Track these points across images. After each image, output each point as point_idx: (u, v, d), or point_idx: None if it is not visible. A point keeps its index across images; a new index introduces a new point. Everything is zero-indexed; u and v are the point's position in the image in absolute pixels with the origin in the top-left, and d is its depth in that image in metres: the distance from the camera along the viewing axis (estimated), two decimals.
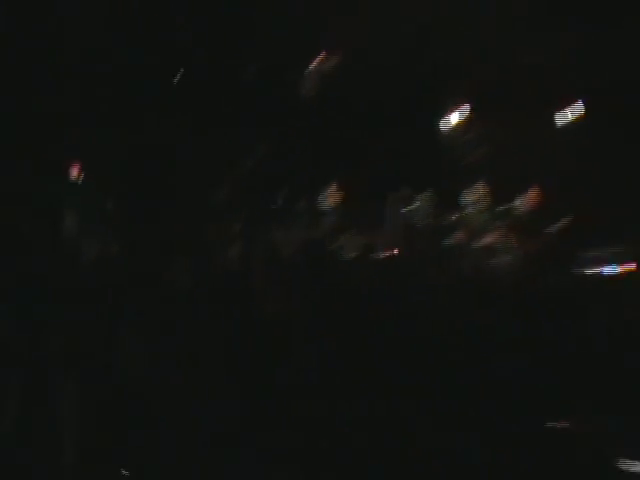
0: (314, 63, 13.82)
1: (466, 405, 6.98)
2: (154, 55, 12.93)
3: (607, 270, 11.94)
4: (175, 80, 13.31)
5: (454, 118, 14.29)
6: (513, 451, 6.37)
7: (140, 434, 7.09)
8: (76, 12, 12.34)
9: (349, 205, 13.46)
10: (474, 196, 13.53)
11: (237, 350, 7.59)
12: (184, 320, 7.88)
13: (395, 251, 13.21)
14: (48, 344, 7.27)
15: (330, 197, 13.43)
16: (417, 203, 13.74)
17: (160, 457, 6.93)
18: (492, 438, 6.54)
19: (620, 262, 11.98)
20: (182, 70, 13.31)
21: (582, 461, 5.90)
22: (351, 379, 7.32)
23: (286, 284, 10.21)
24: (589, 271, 12.02)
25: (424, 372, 7.38)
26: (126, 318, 7.69)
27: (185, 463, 6.86)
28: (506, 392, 6.96)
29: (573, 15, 12.75)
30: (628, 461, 5.65)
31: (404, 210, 13.84)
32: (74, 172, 12.57)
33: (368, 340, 7.96)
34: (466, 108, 14.13)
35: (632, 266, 11.85)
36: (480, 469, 6.44)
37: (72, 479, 6.91)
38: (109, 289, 8.46)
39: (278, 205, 13.41)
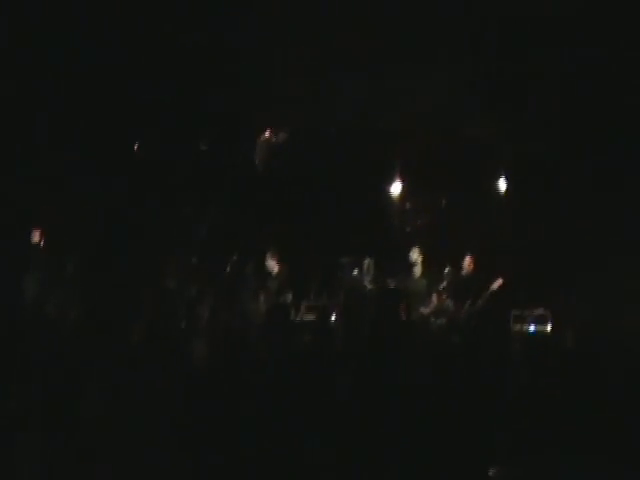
0: (262, 137, 14.38)
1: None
2: (107, 129, 13.35)
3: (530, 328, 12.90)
4: (133, 151, 13.76)
5: (395, 189, 14.95)
6: None
7: None
8: None
9: (295, 270, 13.83)
10: (414, 262, 13.90)
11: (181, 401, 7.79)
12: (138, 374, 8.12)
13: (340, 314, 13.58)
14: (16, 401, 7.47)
15: (276, 263, 13.77)
16: (361, 268, 14.16)
17: None
18: None
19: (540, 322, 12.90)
20: (138, 144, 13.77)
21: None
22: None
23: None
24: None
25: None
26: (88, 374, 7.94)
27: None
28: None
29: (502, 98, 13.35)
30: None
31: (349, 275, 14.24)
32: (35, 236, 12.96)
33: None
34: (407, 179, 14.77)
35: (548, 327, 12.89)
36: None
37: None
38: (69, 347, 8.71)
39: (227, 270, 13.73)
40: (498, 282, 13.19)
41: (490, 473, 6.16)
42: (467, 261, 13.66)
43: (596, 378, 7.77)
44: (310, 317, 13.68)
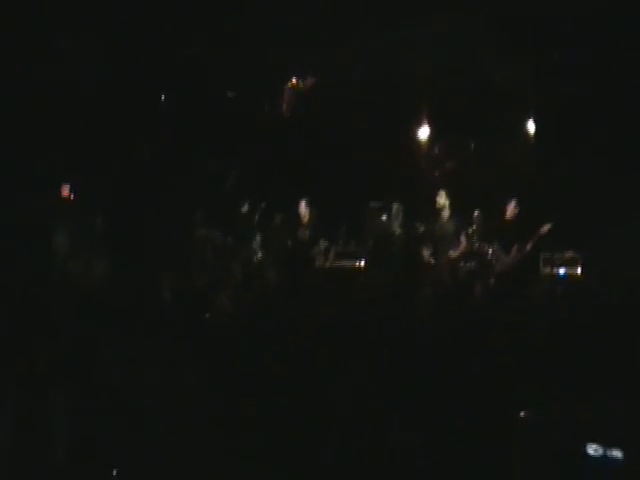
0: (287, 87, 14.38)
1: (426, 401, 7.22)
2: (138, 83, 13.41)
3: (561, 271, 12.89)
4: (156, 107, 13.82)
5: (423, 134, 14.93)
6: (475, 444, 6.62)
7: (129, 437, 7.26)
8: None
9: (325, 217, 13.92)
10: (442, 206, 13.91)
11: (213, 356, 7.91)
12: (167, 334, 8.23)
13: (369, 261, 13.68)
14: (39, 354, 7.59)
15: (306, 211, 13.86)
16: (390, 214, 14.20)
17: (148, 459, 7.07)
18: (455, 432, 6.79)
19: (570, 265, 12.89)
20: (163, 97, 13.83)
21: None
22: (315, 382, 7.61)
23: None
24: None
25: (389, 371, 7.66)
26: (113, 331, 8.06)
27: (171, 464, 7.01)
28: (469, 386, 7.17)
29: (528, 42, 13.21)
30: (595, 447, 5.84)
31: (378, 221, 14.30)
32: (64, 191, 13.11)
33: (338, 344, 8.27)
34: (435, 123, 14.76)
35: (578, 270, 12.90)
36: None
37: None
38: (96, 304, 8.85)
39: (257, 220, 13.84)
40: (546, 227, 13.08)
41: (522, 415, 6.19)
42: (512, 205, 13.56)
43: (621, 321, 7.83)
44: (340, 263, 13.86)
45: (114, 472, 6.88)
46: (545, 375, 6.87)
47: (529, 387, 6.72)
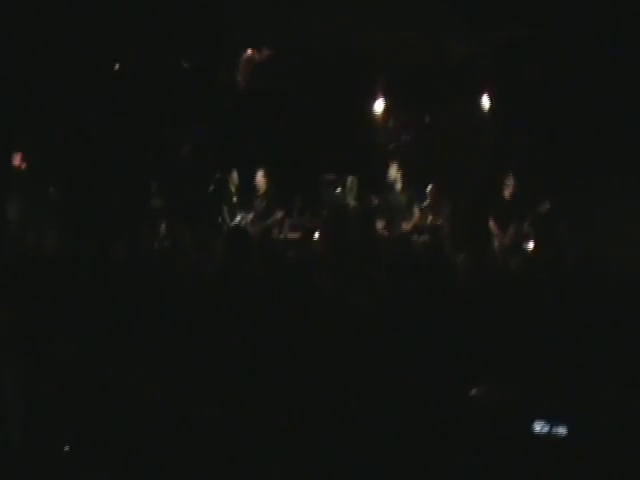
0: (244, 58, 14.35)
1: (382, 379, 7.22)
2: (91, 52, 13.30)
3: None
4: (112, 76, 13.73)
5: (378, 107, 14.96)
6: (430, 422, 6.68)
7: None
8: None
9: (279, 189, 13.94)
10: (396, 179, 13.98)
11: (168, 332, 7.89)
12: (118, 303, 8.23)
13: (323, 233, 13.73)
14: None
15: (260, 182, 13.88)
16: (344, 186, 14.26)
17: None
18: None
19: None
20: (117, 66, 13.74)
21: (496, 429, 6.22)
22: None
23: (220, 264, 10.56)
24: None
25: (346, 348, 7.67)
26: (66, 301, 8.04)
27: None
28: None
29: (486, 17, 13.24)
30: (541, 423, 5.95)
31: (332, 193, 14.34)
32: (16, 161, 13.00)
33: (292, 322, 8.28)
34: (389, 97, 14.79)
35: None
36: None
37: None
38: (51, 275, 8.82)
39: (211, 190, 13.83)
40: (546, 205, 12.96)
41: (473, 393, 6.26)
42: (510, 182, 13.37)
43: (570, 298, 7.95)
44: (294, 235, 13.93)
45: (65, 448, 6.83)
46: (493, 352, 6.95)
47: (477, 364, 6.81)
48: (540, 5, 13.08)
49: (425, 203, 13.94)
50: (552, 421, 5.78)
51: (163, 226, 13.04)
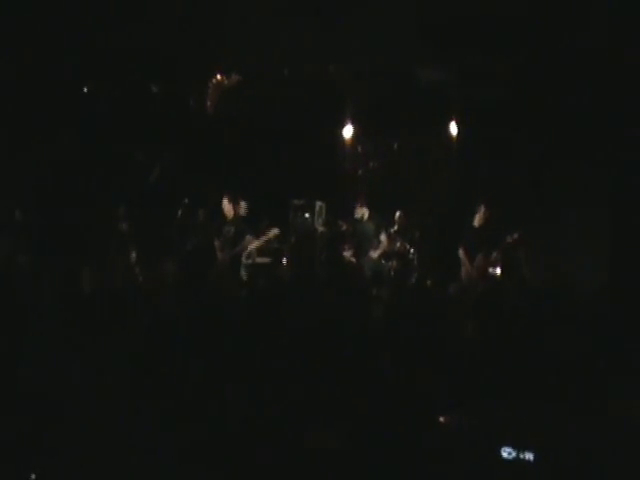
0: (213, 83, 14.37)
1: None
2: (60, 73, 13.25)
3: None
4: (81, 98, 13.69)
5: (346, 133, 15.02)
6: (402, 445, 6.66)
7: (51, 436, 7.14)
8: None
9: (249, 214, 13.90)
10: (365, 206, 14.02)
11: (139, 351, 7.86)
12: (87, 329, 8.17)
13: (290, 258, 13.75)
14: None
15: (229, 207, 13.84)
16: (313, 211, 14.28)
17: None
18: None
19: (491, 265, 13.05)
20: (87, 87, 13.72)
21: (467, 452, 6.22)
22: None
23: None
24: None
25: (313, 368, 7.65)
26: (33, 324, 7.99)
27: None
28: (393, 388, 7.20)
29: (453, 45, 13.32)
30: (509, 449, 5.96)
31: (301, 218, 14.36)
32: None
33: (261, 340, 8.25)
34: (357, 124, 14.86)
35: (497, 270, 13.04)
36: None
37: None
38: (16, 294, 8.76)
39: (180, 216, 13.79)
40: (515, 235, 12.83)
41: (441, 419, 6.27)
42: (482, 211, 13.20)
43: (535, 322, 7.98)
44: (262, 260, 13.90)
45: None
46: (462, 377, 6.97)
47: (447, 388, 6.83)
48: (506, 34, 13.21)
49: (393, 229, 14.02)
50: (519, 447, 5.80)
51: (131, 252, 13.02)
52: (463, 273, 13.18)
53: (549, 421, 6.03)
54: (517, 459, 5.78)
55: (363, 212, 14.04)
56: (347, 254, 13.74)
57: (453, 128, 14.65)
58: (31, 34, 12.99)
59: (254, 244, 13.26)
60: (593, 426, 5.95)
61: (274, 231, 13.33)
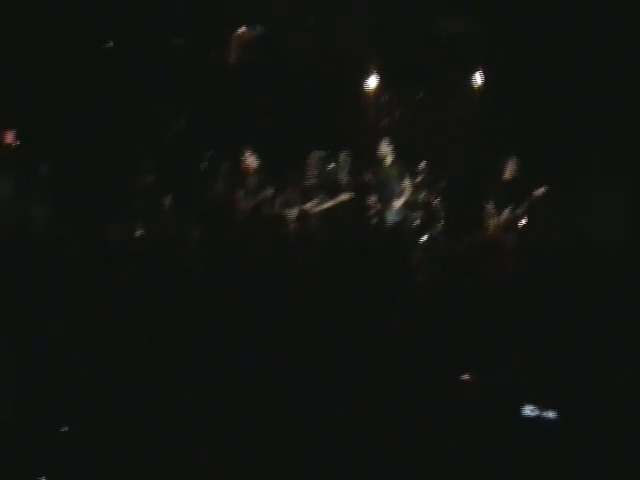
0: (235, 35, 14.31)
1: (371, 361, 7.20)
2: (80, 29, 13.25)
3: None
4: (101, 51, 13.68)
5: (371, 83, 14.94)
6: (423, 406, 6.67)
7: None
8: None
9: (272, 165, 13.93)
10: (389, 156, 13.96)
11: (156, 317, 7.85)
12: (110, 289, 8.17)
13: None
14: None
15: (253, 158, 13.85)
16: (336, 162, 14.24)
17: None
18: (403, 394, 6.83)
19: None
20: (107, 44, 13.70)
21: (488, 411, 6.23)
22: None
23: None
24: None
25: (333, 333, 7.65)
26: (56, 282, 8.00)
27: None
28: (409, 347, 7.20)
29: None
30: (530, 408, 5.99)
31: (325, 169, 14.33)
32: (8, 138, 12.92)
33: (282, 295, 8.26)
34: (381, 74, 14.77)
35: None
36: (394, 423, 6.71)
37: None
38: (39, 252, 8.77)
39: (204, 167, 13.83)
40: (541, 190, 12.73)
41: (464, 378, 6.31)
42: (510, 166, 13.13)
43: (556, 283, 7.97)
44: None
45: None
46: (484, 337, 6.99)
47: (469, 348, 6.85)
48: None
49: (418, 179, 13.96)
50: (541, 405, 5.84)
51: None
52: (490, 227, 13.14)
53: (570, 380, 6.06)
54: (539, 417, 5.83)
55: (386, 154, 13.99)
56: (372, 202, 13.70)
57: (479, 78, 14.52)
58: None
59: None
60: (614, 386, 5.98)
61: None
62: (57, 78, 13.28)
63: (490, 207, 13.06)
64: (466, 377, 6.33)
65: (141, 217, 12.15)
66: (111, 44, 13.93)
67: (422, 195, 13.80)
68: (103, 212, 11.64)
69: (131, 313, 7.71)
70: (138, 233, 10.94)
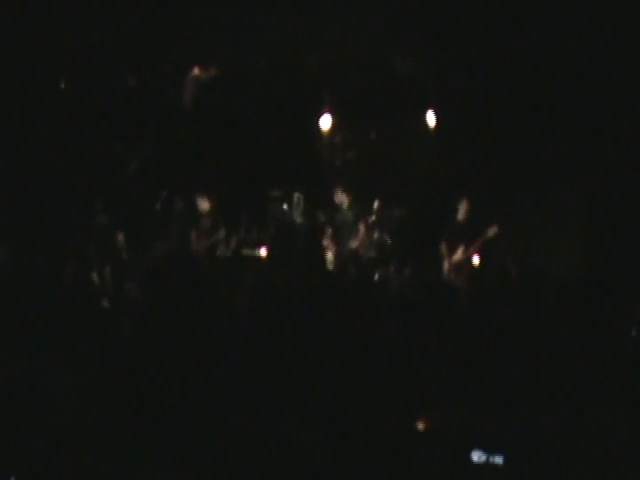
0: (191, 75, 14.35)
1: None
2: (35, 67, 13.20)
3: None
4: (60, 91, 13.64)
5: (324, 123, 15.01)
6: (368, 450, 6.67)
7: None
8: None
9: (226, 206, 13.93)
10: (343, 196, 14.03)
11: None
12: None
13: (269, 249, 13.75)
14: None
15: (206, 199, 13.86)
16: (291, 203, 14.30)
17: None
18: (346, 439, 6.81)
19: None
20: (60, 82, 13.66)
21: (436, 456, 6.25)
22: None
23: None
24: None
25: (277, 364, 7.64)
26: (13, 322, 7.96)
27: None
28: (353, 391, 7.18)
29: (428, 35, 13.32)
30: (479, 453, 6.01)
31: (279, 209, 14.38)
32: None
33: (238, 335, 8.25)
34: (335, 114, 14.86)
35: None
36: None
37: None
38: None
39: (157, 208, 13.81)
40: (494, 229, 12.80)
41: (413, 421, 6.31)
42: (462, 205, 13.15)
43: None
44: (248, 252, 13.93)
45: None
46: (434, 379, 7.01)
47: (419, 390, 6.86)
48: (482, 23, 13.23)
49: (371, 219, 14.04)
50: (489, 450, 5.85)
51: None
52: (445, 266, 13.22)
53: (519, 423, 6.08)
54: (487, 462, 5.84)
55: (342, 200, 14.07)
56: (326, 244, 13.76)
57: (431, 117, 14.66)
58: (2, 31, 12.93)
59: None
60: (563, 427, 6.02)
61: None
62: (8, 117, 13.20)
63: (444, 246, 13.19)
64: (415, 421, 6.32)
65: (95, 256, 12.13)
66: (64, 83, 13.87)
67: (376, 235, 13.93)
68: (57, 251, 11.57)
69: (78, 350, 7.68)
70: (92, 272, 10.89)
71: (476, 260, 13.13)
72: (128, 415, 7.04)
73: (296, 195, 14.27)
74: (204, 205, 13.81)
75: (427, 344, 7.72)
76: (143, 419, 7.01)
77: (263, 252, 13.72)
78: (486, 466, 5.83)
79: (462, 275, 12.83)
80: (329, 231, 13.89)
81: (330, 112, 14.89)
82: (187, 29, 13.36)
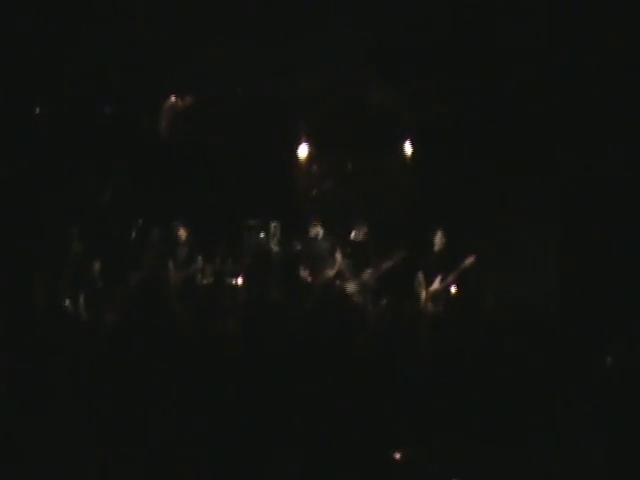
0: (167, 104, 14.35)
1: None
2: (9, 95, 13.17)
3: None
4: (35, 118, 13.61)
5: (301, 153, 15.01)
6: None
7: None
8: None
9: (201, 235, 13.90)
10: (318, 226, 14.02)
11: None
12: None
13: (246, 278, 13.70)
14: None
15: (182, 228, 13.82)
16: (267, 232, 14.26)
17: None
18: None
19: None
20: (35, 109, 13.62)
21: None
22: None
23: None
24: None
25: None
26: None
27: None
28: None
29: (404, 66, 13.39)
30: None
31: (255, 239, 14.33)
32: None
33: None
34: (312, 143, 14.86)
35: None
36: None
37: None
38: None
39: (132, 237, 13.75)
40: (471, 259, 12.86)
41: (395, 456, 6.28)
42: (439, 236, 13.26)
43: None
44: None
45: None
46: (411, 410, 6.96)
47: (396, 422, 6.82)
48: (458, 55, 13.31)
49: (348, 250, 14.01)
50: None
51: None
52: (421, 297, 13.19)
53: (497, 455, 6.06)
54: None
55: (318, 231, 14.07)
56: (303, 274, 13.72)
57: (408, 148, 14.68)
58: None
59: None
60: (542, 461, 5.99)
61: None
62: None
63: (420, 276, 13.17)
64: (393, 452, 6.29)
65: (69, 285, 12.07)
66: (38, 110, 13.83)
67: (352, 265, 13.89)
68: (30, 279, 11.52)
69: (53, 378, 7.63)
70: (66, 301, 10.84)
71: (454, 290, 13.15)
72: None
73: (273, 224, 14.21)
74: (181, 234, 13.83)
75: (404, 375, 7.70)
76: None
77: (240, 281, 13.70)
78: None
79: (439, 305, 12.86)
80: (306, 260, 13.86)
81: (307, 141, 14.90)
82: (163, 58, 13.41)
